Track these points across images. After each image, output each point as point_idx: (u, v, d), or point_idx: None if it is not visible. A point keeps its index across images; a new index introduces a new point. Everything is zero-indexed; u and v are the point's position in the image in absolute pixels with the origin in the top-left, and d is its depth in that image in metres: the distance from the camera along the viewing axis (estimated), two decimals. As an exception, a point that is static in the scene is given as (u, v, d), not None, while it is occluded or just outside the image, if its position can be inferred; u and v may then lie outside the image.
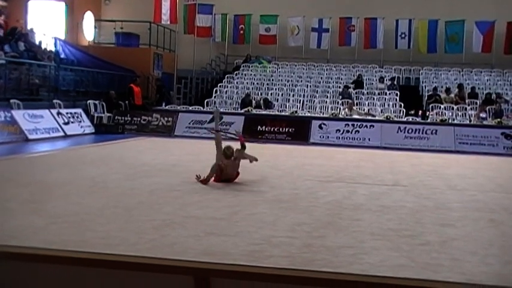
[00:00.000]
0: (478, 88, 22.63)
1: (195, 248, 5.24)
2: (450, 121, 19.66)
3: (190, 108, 21.48)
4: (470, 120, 20.03)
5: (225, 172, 9.43)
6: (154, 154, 13.83)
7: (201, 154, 13.76)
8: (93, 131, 19.32)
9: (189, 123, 19.92)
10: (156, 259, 2.30)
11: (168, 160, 12.55)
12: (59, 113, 18.22)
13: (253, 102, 21.56)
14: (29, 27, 23.15)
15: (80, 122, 19.13)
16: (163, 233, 5.81)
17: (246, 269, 2.50)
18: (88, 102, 20.42)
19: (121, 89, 22.55)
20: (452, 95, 21.74)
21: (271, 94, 22.66)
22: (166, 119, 20.20)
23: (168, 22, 23.91)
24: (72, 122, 18.63)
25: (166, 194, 8.22)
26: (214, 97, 22.76)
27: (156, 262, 2.46)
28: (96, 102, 20.80)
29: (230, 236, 5.83)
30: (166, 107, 21.63)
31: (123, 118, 20.34)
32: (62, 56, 22.15)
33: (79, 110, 19.45)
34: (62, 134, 17.68)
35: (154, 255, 4.64)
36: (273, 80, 24.33)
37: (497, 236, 6.37)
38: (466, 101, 21.48)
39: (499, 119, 19.23)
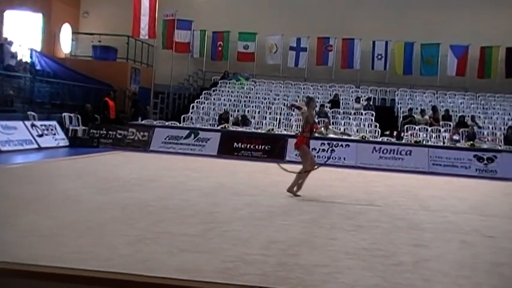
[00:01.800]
0: (452, 111, 22.95)
1: (167, 265, 5.19)
2: (424, 142, 19.89)
3: (167, 123, 21.40)
4: (444, 142, 20.27)
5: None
6: (129, 169, 13.73)
7: (176, 170, 13.71)
8: (68, 144, 19.09)
9: (165, 139, 19.83)
10: (127, 275, 2.26)
11: (143, 175, 12.46)
12: (33, 125, 17.99)
13: (231, 118, 21.59)
14: (4, 38, 22.93)
15: (55, 134, 18.90)
16: (136, 248, 5.75)
17: (219, 287, 2.47)
18: (63, 114, 20.21)
19: (97, 102, 22.38)
20: (426, 117, 22.01)
21: (248, 111, 22.69)
22: (142, 133, 20.09)
23: (147, 37, 23.90)
24: (46, 135, 18.40)
25: (141, 209, 8.15)
26: (191, 113, 22.73)
27: (128, 278, 2.41)
28: (72, 115, 20.59)
29: (203, 252, 5.79)
30: (143, 122, 21.52)
31: (98, 132, 20.18)
32: (38, 67, 21.94)
33: (54, 123, 19.22)
34: (35, 146, 17.43)
35: (127, 271, 4.58)
36: (250, 97, 24.39)
37: (468, 257, 6.43)
38: (440, 123, 21.76)
39: (471, 142, 19.50)
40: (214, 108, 23.08)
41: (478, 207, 11.04)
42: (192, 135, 19.79)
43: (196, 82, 27.21)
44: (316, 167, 11.29)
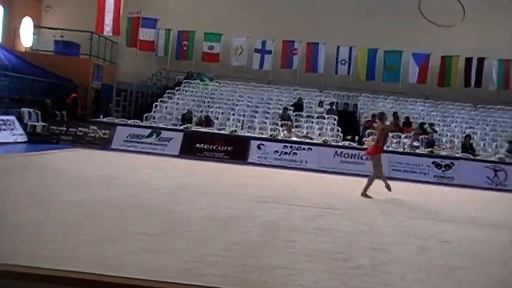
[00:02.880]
0: (412, 117, 23.35)
1: (128, 264, 5.15)
2: (385, 148, 20.12)
3: (129, 121, 21.19)
4: (403, 148, 20.59)
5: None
6: (91, 166, 13.56)
7: (139, 169, 13.61)
8: (26, 139, 18.74)
9: (127, 137, 19.63)
10: (87, 274, 2.25)
11: (105, 173, 12.32)
12: (-10, 120, 17.62)
13: (194, 119, 21.51)
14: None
15: (12, 129, 18.52)
16: (97, 247, 5.69)
17: (178, 287, 2.47)
18: (22, 110, 19.83)
19: (58, 98, 22.02)
20: (387, 123, 22.27)
21: (211, 112, 22.65)
22: (103, 131, 19.84)
23: (111, 33, 23.65)
24: (3, 129, 18.01)
25: (103, 207, 8.06)
26: (154, 112, 22.57)
27: (87, 277, 2.39)
28: (31, 110, 20.22)
29: (164, 252, 5.76)
30: (104, 119, 21.26)
31: (58, 128, 19.84)
32: (-4, 60, 21.50)
33: (12, 118, 18.82)
34: (-8, 141, 17.06)
35: (88, 270, 4.53)
36: (214, 98, 24.36)
37: (424, 261, 6.55)
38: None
39: (430, 149, 19.87)
40: (177, 108, 22.97)
41: (435, 212, 11.25)
42: (154, 134, 19.64)
43: (160, 81, 27.05)
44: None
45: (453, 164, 18.97)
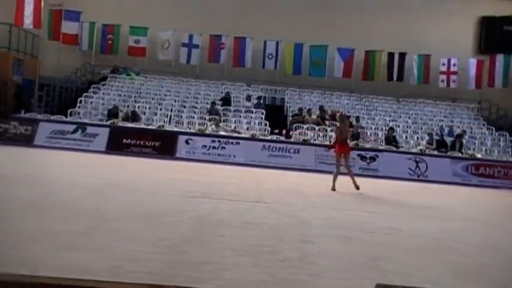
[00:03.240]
0: (338, 111, 23.81)
1: (55, 264, 5.02)
2: (312, 141, 20.51)
3: (53, 117, 20.57)
4: (330, 141, 20.99)
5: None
6: (13, 164, 13.10)
7: (63, 166, 13.27)
8: None
9: (51, 133, 19.09)
10: (12, 276, 2.19)
11: (28, 171, 11.94)
12: None
13: (120, 114, 21.15)
14: None
15: None
16: (20, 248, 5.51)
17: (105, 285, 2.44)
18: None
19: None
20: (314, 117, 22.71)
21: (138, 107, 22.33)
22: (25, 127, 19.20)
23: (31, 26, 22.84)
24: None
25: (27, 207, 7.80)
26: (79, 107, 22.02)
27: (12, 279, 2.32)
28: None
29: (90, 251, 5.65)
30: (26, 115, 20.55)
31: (-23, 124, 19.06)
32: None
33: None
34: None
35: (10, 271, 4.38)
36: (140, 92, 24.02)
37: (350, 252, 6.72)
38: (327, 122, 22.52)
39: (356, 141, 20.36)
40: (103, 103, 22.51)
41: (360, 203, 11.57)
42: (80, 130, 19.20)
43: (85, 76, 26.38)
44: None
45: (377, 156, 19.55)
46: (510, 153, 21.92)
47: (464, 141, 21.67)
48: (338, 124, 14.40)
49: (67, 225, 6.79)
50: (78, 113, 21.43)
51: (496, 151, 21.89)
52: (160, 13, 25.88)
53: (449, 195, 15.39)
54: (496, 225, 10.27)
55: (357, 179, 13.59)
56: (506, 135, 23.25)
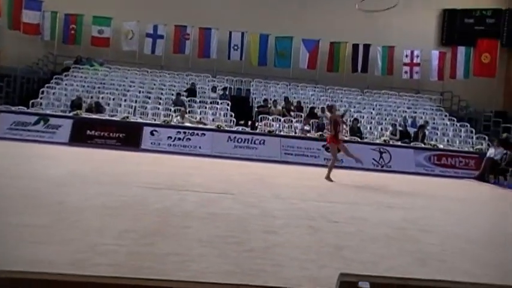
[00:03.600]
0: (304, 102, 23.97)
1: (18, 258, 4.94)
2: (277, 132, 20.58)
3: (13, 108, 20.16)
4: (295, 132, 21.12)
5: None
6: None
7: (25, 158, 13.03)
8: None
9: (11, 125, 18.72)
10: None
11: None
12: None
13: (84, 105, 20.85)
14: None
15: None
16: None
17: (69, 278, 2.41)
18: None
19: None
20: (279, 107, 22.78)
21: (102, 98, 22.06)
22: (-15, 119, 18.79)
23: (-10, 15, 22.35)
24: None
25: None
26: (41, 98, 21.63)
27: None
28: None
29: (53, 244, 5.57)
30: (-14, 106, 20.12)
31: None
32: None
33: None
34: None
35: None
36: (104, 83, 23.72)
37: (315, 242, 6.77)
38: (292, 113, 22.63)
39: (321, 132, 20.51)
40: (66, 94, 22.16)
41: (325, 194, 11.66)
42: (42, 121, 18.88)
43: (47, 66, 25.92)
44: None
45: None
46: (471, 143, 22.36)
47: (426, 132, 22.02)
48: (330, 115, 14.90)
49: (29, 218, 6.68)
50: (41, 104, 21.07)
51: (457, 141, 22.31)
52: (124, 3, 25.59)
53: (413, 185, 15.63)
54: (458, 214, 10.47)
55: (321, 169, 13.73)
56: (467, 126, 23.72)
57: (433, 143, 21.43)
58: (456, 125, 23.81)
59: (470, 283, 2.78)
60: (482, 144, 22.03)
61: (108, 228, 6.52)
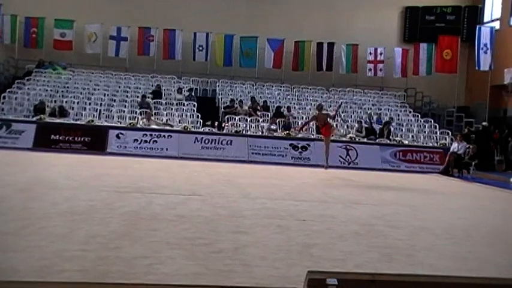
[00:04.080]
0: (270, 101, 24.03)
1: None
2: (244, 132, 20.59)
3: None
4: (262, 132, 21.16)
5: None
6: None
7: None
8: None
9: (-27, 131, 18.33)
10: None
11: None
12: None
13: (47, 109, 20.54)
14: None
15: None
16: None
17: (35, 286, 2.38)
18: None
19: None
20: (246, 108, 22.79)
21: (66, 102, 21.76)
22: None
23: None
24: None
25: None
26: (3, 103, 21.24)
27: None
28: None
29: (18, 251, 5.47)
30: None
31: None
32: None
33: None
34: None
35: None
36: (68, 87, 23.40)
37: (284, 240, 6.79)
38: (259, 113, 22.66)
39: (287, 131, 20.59)
40: (28, 99, 21.80)
41: (293, 193, 11.70)
42: (4, 127, 18.56)
43: (8, 70, 25.45)
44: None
45: (309, 146, 19.85)
46: (435, 138, 22.73)
47: (392, 128, 22.30)
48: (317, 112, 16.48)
49: (-8, 226, 6.55)
50: (2, 109, 20.69)
51: (421, 137, 22.65)
52: (86, 5, 25.29)
53: (379, 181, 15.80)
54: (424, 209, 10.62)
55: (288, 168, 13.78)
56: (431, 121, 24.11)
57: (398, 139, 21.71)
58: (420, 121, 24.18)
59: (435, 276, 2.83)
60: (445, 139, 22.41)
61: (75, 233, 6.44)
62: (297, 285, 2.61)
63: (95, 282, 3.95)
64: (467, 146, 19.88)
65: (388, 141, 21.18)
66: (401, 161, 20.32)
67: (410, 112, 25.15)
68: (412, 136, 22.62)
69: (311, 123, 18.58)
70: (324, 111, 17.37)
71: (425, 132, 23.31)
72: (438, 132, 23.16)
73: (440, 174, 19.13)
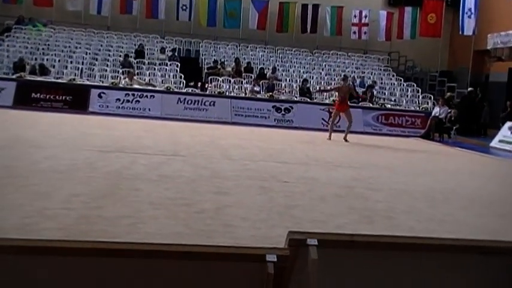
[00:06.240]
0: (253, 63, 23.91)
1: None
2: (227, 94, 20.52)
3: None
4: (245, 94, 21.10)
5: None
6: None
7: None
8: None
9: (-48, 88, 18.04)
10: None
11: None
12: None
13: (27, 67, 20.24)
14: None
15: None
16: None
17: (17, 243, 2.39)
18: None
19: None
20: (229, 69, 22.66)
21: (47, 60, 21.44)
22: None
23: None
24: None
25: None
26: (-18, 60, 20.88)
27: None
28: None
29: (0, 209, 5.47)
30: None
31: None
32: None
33: None
34: None
35: None
36: (49, 45, 23.02)
37: (266, 201, 6.87)
38: (242, 74, 22.55)
39: (270, 93, 20.56)
40: (8, 56, 21.41)
41: (275, 154, 11.76)
42: (-17, 84, 18.25)
43: (-13, 26, 24.93)
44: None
45: (292, 108, 19.87)
46: (417, 102, 22.84)
47: (374, 91, 22.34)
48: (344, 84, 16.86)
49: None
50: (-18, 67, 20.35)
51: (404, 101, 22.74)
52: (67, -40, 24.69)
53: (361, 144, 15.91)
54: (404, 172, 10.75)
55: (272, 130, 13.78)
56: (413, 85, 24.18)
57: (381, 102, 21.78)
58: (403, 85, 24.23)
59: (413, 237, 2.89)
60: (428, 104, 22.53)
61: (57, 192, 6.44)
62: (278, 246, 2.65)
63: (76, 240, 3.96)
64: (449, 110, 20.02)
65: (371, 105, 21.24)
66: (383, 124, 20.44)
67: (393, 76, 25.18)
68: (395, 100, 22.71)
69: (332, 92, 19.16)
70: (348, 84, 17.62)
71: (407, 96, 23.40)
72: (420, 97, 23.26)
73: (422, 138, 19.29)
